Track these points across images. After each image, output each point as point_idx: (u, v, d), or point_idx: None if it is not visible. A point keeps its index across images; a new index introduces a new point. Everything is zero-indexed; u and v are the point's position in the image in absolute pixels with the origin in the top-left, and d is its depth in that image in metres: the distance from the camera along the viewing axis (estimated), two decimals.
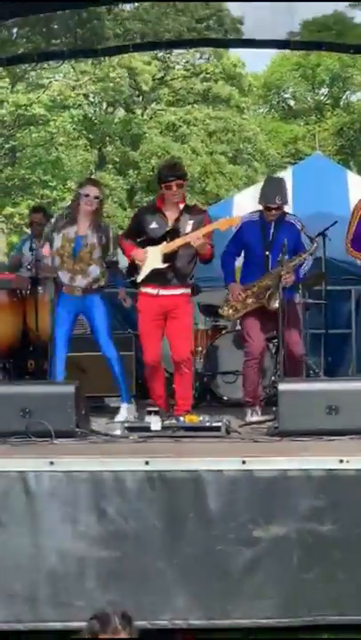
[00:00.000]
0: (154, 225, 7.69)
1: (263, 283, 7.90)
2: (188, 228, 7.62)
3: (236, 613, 5.47)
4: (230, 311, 8.12)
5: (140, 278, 7.69)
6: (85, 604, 5.31)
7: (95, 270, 7.78)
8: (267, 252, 7.92)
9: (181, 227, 7.65)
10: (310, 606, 5.46)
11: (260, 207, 8.03)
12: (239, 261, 8.39)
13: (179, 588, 5.45)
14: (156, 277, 7.64)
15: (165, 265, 7.61)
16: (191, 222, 7.64)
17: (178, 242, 7.58)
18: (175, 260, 7.63)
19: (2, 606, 5.52)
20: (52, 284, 8.14)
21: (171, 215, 7.70)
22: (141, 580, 5.47)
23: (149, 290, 7.68)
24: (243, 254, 8.22)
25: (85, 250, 7.77)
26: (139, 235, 7.80)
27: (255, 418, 7.73)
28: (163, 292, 7.65)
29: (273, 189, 8.08)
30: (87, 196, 7.77)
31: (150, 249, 7.66)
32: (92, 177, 8.10)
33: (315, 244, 8.09)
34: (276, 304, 7.71)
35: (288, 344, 7.81)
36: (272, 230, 7.95)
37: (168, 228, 7.67)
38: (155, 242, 7.67)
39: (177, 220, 7.68)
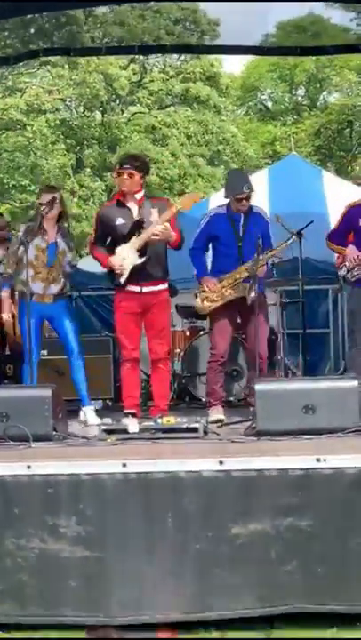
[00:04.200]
0: (120, 220, 7.64)
1: (239, 275, 7.84)
2: (155, 216, 7.57)
3: (216, 606, 5.51)
4: (205, 303, 7.96)
5: (123, 279, 7.61)
6: (70, 600, 5.42)
7: (66, 276, 7.82)
8: (240, 244, 7.93)
9: (146, 216, 7.61)
10: (288, 597, 5.50)
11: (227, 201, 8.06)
12: None
13: (159, 585, 5.48)
14: (137, 274, 7.57)
15: (143, 259, 7.55)
16: (155, 210, 7.61)
17: (145, 235, 7.53)
18: (150, 252, 7.58)
19: None
20: None
21: (133, 207, 7.67)
22: (122, 579, 5.50)
23: (133, 288, 7.61)
24: (210, 247, 8.20)
25: (59, 257, 7.81)
26: (107, 235, 7.72)
27: (215, 417, 7.71)
28: (146, 288, 7.60)
29: (239, 180, 8.15)
30: (41, 204, 7.79)
31: (123, 248, 7.59)
32: (49, 184, 8.09)
33: (291, 239, 8.08)
34: (253, 296, 7.66)
35: (252, 340, 7.86)
36: (242, 222, 7.97)
37: (134, 221, 7.62)
38: (125, 238, 7.60)
39: (140, 210, 7.66)
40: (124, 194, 7.70)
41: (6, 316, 7.73)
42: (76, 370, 7.93)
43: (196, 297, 8.00)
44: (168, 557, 5.51)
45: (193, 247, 8.11)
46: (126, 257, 7.58)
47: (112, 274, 7.72)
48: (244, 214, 7.97)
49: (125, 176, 7.63)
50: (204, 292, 7.93)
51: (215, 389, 8.06)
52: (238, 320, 8.13)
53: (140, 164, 7.79)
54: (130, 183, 7.66)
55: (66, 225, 8.04)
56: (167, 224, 7.53)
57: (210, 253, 8.24)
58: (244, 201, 7.95)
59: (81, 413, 7.89)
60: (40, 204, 7.84)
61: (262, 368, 7.81)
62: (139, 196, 7.72)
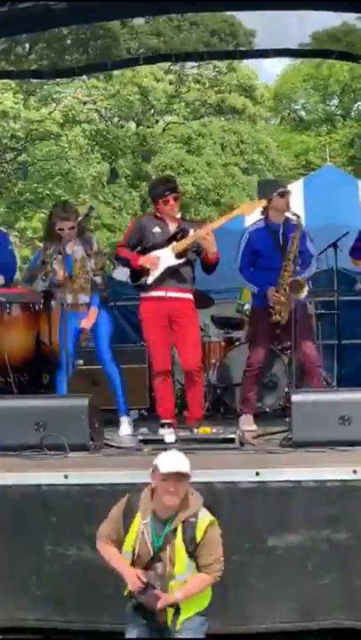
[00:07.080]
0: (157, 229, 7.60)
1: (285, 279, 7.73)
2: (192, 233, 7.54)
3: (254, 619, 5.56)
4: (282, 315, 7.78)
5: (151, 279, 7.54)
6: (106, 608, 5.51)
7: (95, 284, 7.77)
8: (283, 254, 7.79)
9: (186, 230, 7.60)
10: (326, 611, 5.53)
11: (261, 216, 8.03)
12: None
13: None
14: (167, 278, 7.53)
15: (180, 261, 7.50)
16: (192, 230, 7.57)
17: (189, 239, 7.49)
18: (187, 258, 7.55)
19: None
20: None
21: (172, 224, 7.65)
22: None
23: (157, 293, 7.56)
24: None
25: (77, 265, 7.77)
26: (139, 241, 7.65)
27: (246, 427, 7.69)
28: (171, 293, 7.53)
29: (273, 183, 8.47)
30: (61, 229, 7.75)
31: (159, 251, 7.53)
32: (64, 207, 7.69)
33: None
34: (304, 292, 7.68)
35: (303, 353, 7.82)
36: (281, 231, 7.86)
37: (173, 232, 7.58)
38: (157, 247, 7.56)
39: (179, 227, 7.64)
40: (162, 214, 7.65)
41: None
42: (110, 379, 7.93)
43: (272, 315, 7.84)
44: None
45: (241, 267, 8.02)
46: (162, 258, 7.52)
47: (138, 276, 7.65)
48: (283, 223, 7.86)
49: (173, 201, 7.61)
50: (273, 308, 7.77)
51: (249, 398, 8.04)
52: (277, 331, 8.06)
53: (176, 184, 7.86)
54: (179, 205, 7.70)
55: (86, 234, 7.97)
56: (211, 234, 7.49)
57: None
58: (287, 196, 7.89)
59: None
60: (60, 229, 7.74)
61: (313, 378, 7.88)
62: (178, 214, 7.73)
